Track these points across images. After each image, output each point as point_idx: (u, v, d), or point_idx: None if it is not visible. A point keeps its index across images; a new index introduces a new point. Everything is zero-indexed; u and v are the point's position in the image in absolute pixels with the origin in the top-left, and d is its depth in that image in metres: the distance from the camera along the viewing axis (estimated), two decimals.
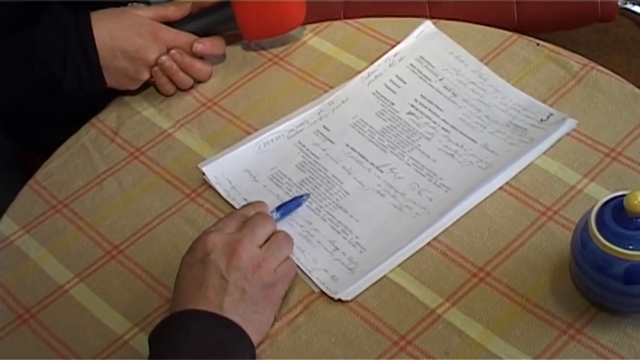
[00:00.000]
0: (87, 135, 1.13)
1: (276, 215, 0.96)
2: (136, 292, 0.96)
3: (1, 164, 1.25)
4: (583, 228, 0.84)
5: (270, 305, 0.87)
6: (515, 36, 1.17)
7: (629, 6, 1.77)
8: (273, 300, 0.87)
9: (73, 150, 1.12)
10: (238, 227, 0.89)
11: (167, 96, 1.16)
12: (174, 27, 1.13)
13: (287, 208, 0.98)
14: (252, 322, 0.83)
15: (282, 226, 0.96)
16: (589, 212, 0.84)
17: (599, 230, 0.81)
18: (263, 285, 0.85)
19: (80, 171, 1.09)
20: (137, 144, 1.11)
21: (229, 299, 0.82)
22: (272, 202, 0.99)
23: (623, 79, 1.10)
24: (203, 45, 1.13)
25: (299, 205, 0.99)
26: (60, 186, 1.08)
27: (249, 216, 0.91)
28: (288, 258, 0.90)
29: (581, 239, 0.84)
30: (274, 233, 0.90)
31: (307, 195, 1.00)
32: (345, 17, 1.63)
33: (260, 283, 0.85)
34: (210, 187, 1.04)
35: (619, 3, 1.73)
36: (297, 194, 1.01)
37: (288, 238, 0.91)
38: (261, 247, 0.88)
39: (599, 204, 0.83)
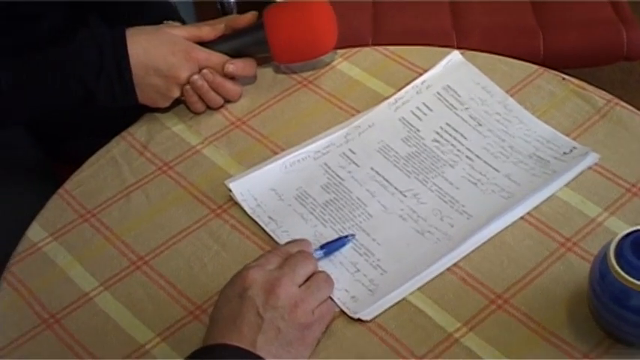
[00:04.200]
0: (117, 147, 1.16)
1: (319, 254, 0.96)
2: (159, 302, 0.97)
3: (30, 173, 1.28)
4: (602, 260, 0.85)
5: (304, 346, 0.86)
6: (542, 70, 1.20)
7: None
8: (308, 341, 0.87)
9: (103, 161, 1.14)
10: (280, 264, 0.89)
11: (197, 114, 1.18)
12: (207, 47, 1.16)
13: (331, 247, 0.99)
14: None
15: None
16: (608, 244, 0.85)
17: (617, 263, 0.82)
18: (299, 326, 0.85)
19: (109, 182, 1.11)
20: (166, 158, 1.13)
21: (263, 337, 0.82)
22: (296, 222, 1.02)
23: None
24: (235, 66, 1.15)
25: (343, 245, 1.00)
26: (89, 196, 1.10)
27: (291, 253, 0.91)
28: (326, 299, 0.91)
29: (600, 271, 0.85)
30: (315, 273, 0.90)
31: (352, 235, 1.01)
32: (374, 44, 1.67)
33: (296, 323, 0.85)
34: (236, 203, 1.06)
35: None
36: (319, 215, 1.03)
37: (328, 279, 0.91)
38: (300, 286, 0.88)
39: (619, 237, 0.85)
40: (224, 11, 1.64)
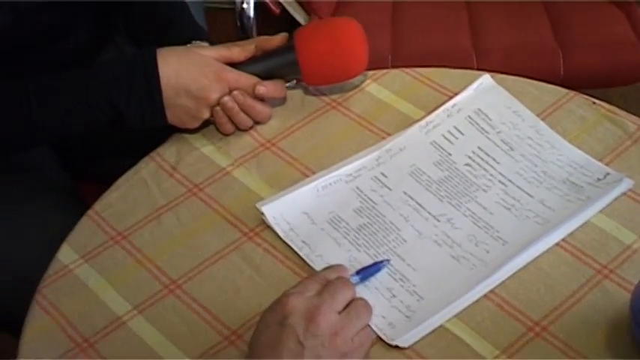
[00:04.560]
0: (146, 168, 1.15)
1: (355, 279, 0.96)
2: (194, 327, 0.97)
3: (56, 193, 1.28)
4: None
5: None
6: (572, 93, 1.20)
7: None
8: None
9: (132, 182, 1.14)
10: (319, 290, 0.88)
11: (226, 135, 1.18)
12: (237, 68, 1.15)
13: (367, 272, 0.98)
14: None
15: None
16: None
17: None
18: (339, 353, 0.85)
19: (139, 204, 1.11)
20: (196, 180, 1.13)
21: None
22: (329, 246, 1.02)
23: None
24: (265, 88, 1.15)
25: (379, 270, 0.99)
26: (119, 218, 1.09)
27: (330, 279, 0.91)
28: (365, 327, 0.90)
29: None
30: (354, 300, 0.90)
31: (387, 260, 1.00)
32: (393, 64, 1.68)
33: (337, 351, 0.84)
34: (268, 227, 1.05)
35: None
36: (353, 239, 1.03)
37: (367, 306, 0.91)
38: (340, 313, 0.87)
39: None
40: (242, 27, 1.64)
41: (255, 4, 1.67)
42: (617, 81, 1.78)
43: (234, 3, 2.18)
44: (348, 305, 0.89)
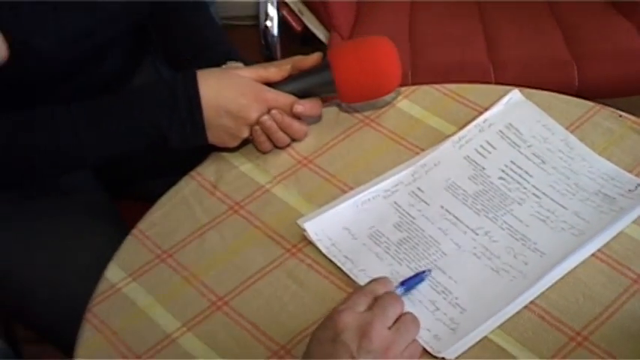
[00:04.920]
0: (187, 187, 1.16)
1: (400, 291, 0.97)
2: (242, 343, 0.97)
3: (98, 213, 1.29)
4: None
5: None
6: (598, 106, 1.21)
7: None
8: None
9: (174, 201, 1.14)
10: (369, 305, 0.89)
11: (264, 152, 1.19)
12: (274, 87, 1.17)
13: (410, 283, 1.00)
14: None
15: None
16: None
17: None
18: None
19: (182, 222, 1.11)
20: (236, 198, 1.14)
21: None
22: (371, 261, 1.03)
23: None
24: (303, 106, 1.16)
25: (422, 280, 1.01)
26: (163, 236, 1.10)
27: (377, 293, 0.92)
28: (414, 340, 0.91)
29: None
30: (403, 314, 0.91)
31: (429, 270, 1.02)
32: (413, 78, 1.69)
33: None
34: (310, 243, 1.06)
35: None
36: (394, 254, 1.04)
37: (415, 320, 0.92)
38: (390, 327, 0.89)
39: None
40: (267, 45, 1.65)
41: (278, 21, 1.68)
42: (629, 90, 1.79)
43: (253, 19, 2.21)
44: (397, 319, 0.91)
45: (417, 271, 1.02)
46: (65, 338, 1.09)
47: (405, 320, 0.91)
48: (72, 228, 1.25)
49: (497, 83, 1.64)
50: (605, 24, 1.87)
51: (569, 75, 1.74)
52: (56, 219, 1.25)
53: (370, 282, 0.95)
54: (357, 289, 0.94)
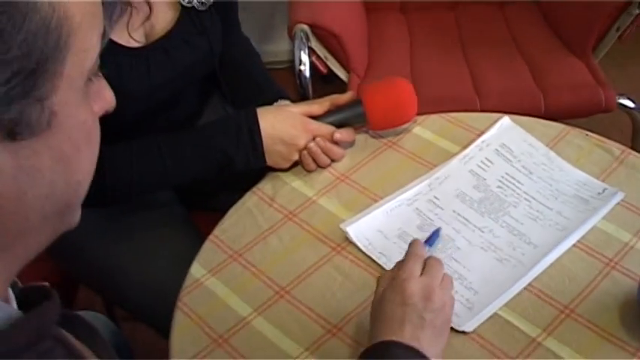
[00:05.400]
0: (250, 201, 1.16)
1: (428, 249, 0.98)
2: (303, 324, 0.98)
3: (177, 222, 1.29)
4: None
5: (446, 333, 0.88)
6: (569, 128, 1.22)
7: (622, 100, 1.83)
8: (448, 329, 0.89)
9: (241, 212, 1.14)
10: (422, 268, 0.89)
11: (309, 171, 1.19)
12: (317, 120, 1.17)
13: (432, 240, 1.02)
14: (437, 350, 0.85)
15: None
16: None
17: None
18: (447, 320, 0.87)
19: (248, 229, 1.11)
20: (290, 208, 1.14)
21: (425, 333, 0.83)
22: (401, 255, 1.01)
23: None
24: (340, 134, 1.16)
25: (438, 235, 1.02)
26: (234, 240, 1.10)
27: (424, 256, 0.91)
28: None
29: None
30: (444, 275, 0.90)
31: (440, 228, 1.04)
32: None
33: (445, 319, 0.87)
34: (351, 243, 1.06)
35: (616, 99, 1.79)
36: None
37: (450, 278, 0.91)
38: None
39: None
40: (301, 85, 1.65)
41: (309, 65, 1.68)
42: (583, 113, 1.79)
43: (288, 62, 2.22)
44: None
45: None
46: (155, 318, 1.11)
47: (446, 280, 0.90)
48: (157, 236, 1.25)
49: (482, 110, 1.62)
50: (562, 62, 1.86)
51: (536, 102, 1.73)
52: (145, 229, 1.25)
53: (411, 247, 0.93)
54: (408, 254, 0.92)
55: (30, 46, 0.46)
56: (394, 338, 0.82)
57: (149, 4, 1.11)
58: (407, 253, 0.91)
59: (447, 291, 0.88)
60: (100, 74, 0.55)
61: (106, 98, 0.57)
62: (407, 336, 0.82)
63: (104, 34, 0.53)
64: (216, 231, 1.12)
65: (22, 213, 0.51)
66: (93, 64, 0.52)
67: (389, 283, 0.88)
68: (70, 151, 0.52)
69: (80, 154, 0.53)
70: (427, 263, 0.90)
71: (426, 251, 0.93)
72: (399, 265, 0.90)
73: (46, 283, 0.56)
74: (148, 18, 1.13)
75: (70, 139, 0.52)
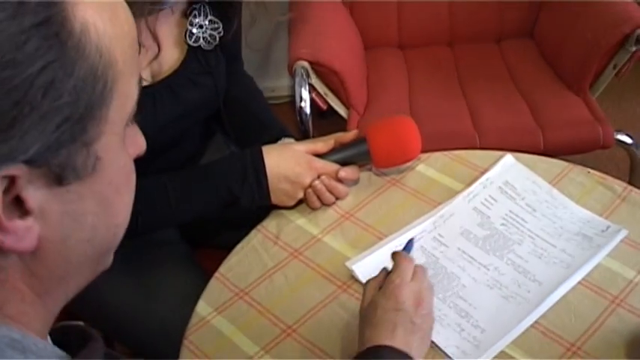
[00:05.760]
0: (255, 238, 1.17)
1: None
2: None
3: (180, 260, 1.30)
4: None
5: (430, 336, 0.92)
6: (571, 165, 1.24)
7: (619, 137, 1.86)
8: (432, 331, 0.93)
9: (246, 250, 1.15)
10: (413, 276, 0.93)
11: (314, 209, 1.20)
12: (321, 158, 1.18)
13: (407, 249, 1.02)
14: (422, 354, 0.89)
15: None
16: None
17: None
18: (432, 325, 0.92)
19: (253, 267, 1.12)
20: (295, 246, 1.14)
21: (414, 337, 0.87)
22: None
23: None
24: (345, 173, 1.17)
25: (412, 244, 1.03)
26: (239, 278, 1.10)
27: (412, 261, 0.95)
28: None
29: None
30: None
31: (413, 237, 1.05)
32: None
33: (431, 323, 0.91)
34: (357, 281, 1.07)
35: (614, 135, 1.82)
36: None
37: (432, 284, 0.95)
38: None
39: None
40: (301, 121, 1.67)
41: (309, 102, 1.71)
42: (582, 149, 1.82)
43: (287, 97, 2.24)
44: None
45: (443, 301, 1.03)
46: (158, 355, 1.11)
47: (430, 286, 0.94)
48: (161, 273, 1.26)
49: (481, 148, 1.64)
50: (560, 98, 1.89)
51: (535, 139, 1.76)
52: (149, 266, 1.26)
53: (398, 256, 0.96)
54: (399, 258, 0.95)
55: (79, 92, 0.48)
56: (387, 343, 0.84)
57: (158, 44, 1.14)
58: (395, 262, 0.95)
59: (431, 296, 0.92)
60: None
61: (138, 143, 0.59)
62: (399, 340, 0.85)
63: (140, 80, 0.55)
64: (222, 269, 1.13)
65: (65, 257, 0.53)
66: (132, 109, 0.54)
67: (380, 290, 0.91)
68: (111, 194, 0.54)
69: (120, 197, 0.55)
70: (415, 270, 0.94)
71: (411, 260, 0.96)
72: (389, 272, 0.94)
73: (81, 323, 0.57)
74: (156, 57, 1.15)
75: (112, 184, 0.54)
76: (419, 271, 0.94)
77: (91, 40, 0.49)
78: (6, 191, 0.48)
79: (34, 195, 0.49)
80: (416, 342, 0.87)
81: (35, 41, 0.47)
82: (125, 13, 0.54)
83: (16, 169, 0.48)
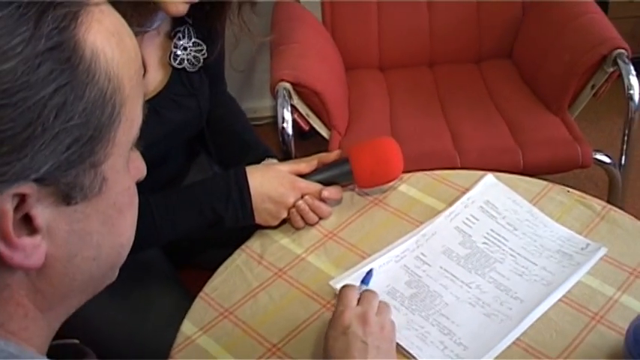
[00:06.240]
0: (239, 258, 1.18)
1: (364, 287, 1.04)
2: None
3: (164, 280, 1.31)
4: (634, 329, 0.93)
5: (393, 352, 0.94)
6: (551, 185, 1.27)
7: (598, 156, 1.90)
8: (394, 347, 0.95)
9: (230, 270, 1.16)
10: (357, 301, 0.96)
11: (298, 229, 1.22)
12: (305, 178, 1.21)
13: (366, 280, 1.06)
14: None
15: (400, 331, 1.02)
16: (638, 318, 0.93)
17: None
18: (390, 340, 0.94)
19: (238, 286, 1.13)
20: (279, 265, 1.16)
21: (370, 356, 0.89)
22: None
23: (632, 217, 1.19)
24: (328, 192, 1.20)
25: (371, 276, 1.07)
26: (224, 297, 1.12)
27: (354, 289, 0.98)
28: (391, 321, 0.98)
29: (635, 337, 0.92)
30: (380, 303, 0.98)
31: (373, 268, 1.09)
32: None
33: (387, 339, 0.94)
34: None
35: (592, 155, 1.85)
36: (408, 306, 1.07)
37: (388, 306, 0.99)
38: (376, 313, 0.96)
39: None
40: (283, 142, 1.70)
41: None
42: (561, 168, 1.85)
43: (270, 118, 2.26)
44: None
45: (427, 319, 1.05)
46: None
47: (382, 306, 0.98)
48: (145, 294, 1.27)
49: (462, 168, 1.69)
50: (539, 119, 1.93)
51: (515, 159, 1.79)
52: (133, 287, 1.27)
53: (341, 289, 1.00)
54: (342, 290, 0.99)
55: (89, 115, 0.51)
56: None
57: (144, 65, 1.16)
58: (339, 294, 0.98)
59: (383, 315, 0.95)
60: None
61: (139, 167, 0.62)
62: None
63: (144, 104, 0.57)
64: (207, 289, 1.14)
65: (70, 275, 0.55)
66: (137, 133, 0.57)
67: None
68: (115, 215, 0.56)
69: (124, 218, 0.58)
70: (362, 296, 0.97)
71: (357, 289, 0.99)
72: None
73: (77, 341, 0.59)
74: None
75: (116, 204, 0.56)
76: (367, 295, 0.97)
77: (101, 66, 0.52)
78: (16, 209, 0.50)
79: (42, 213, 0.52)
80: None
81: (48, 65, 0.49)
82: (132, 41, 0.57)
83: (27, 188, 0.50)
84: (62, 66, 0.50)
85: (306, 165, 1.22)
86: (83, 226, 0.54)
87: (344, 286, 1.00)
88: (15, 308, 0.54)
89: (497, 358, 1.00)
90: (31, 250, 0.52)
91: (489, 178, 1.27)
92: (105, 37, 0.54)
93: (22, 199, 0.51)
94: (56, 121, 0.50)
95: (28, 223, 0.52)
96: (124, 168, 0.57)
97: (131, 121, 0.56)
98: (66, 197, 0.52)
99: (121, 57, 0.55)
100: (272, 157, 1.30)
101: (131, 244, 0.61)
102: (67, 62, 0.50)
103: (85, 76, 0.51)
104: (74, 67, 0.51)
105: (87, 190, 0.53)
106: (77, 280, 0.56)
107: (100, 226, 0.56)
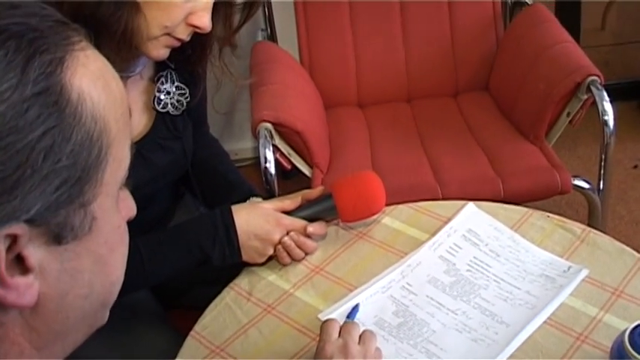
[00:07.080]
0: (228, 296, 1.21)
1: (349, 321, 1.07)
2: None
3: (152, 320, 1.33)
4: (618, 347, 0.96)
5: None
6: (531, 211, 1.31)
7: (577, 182, 1.95)
8: None
9: (220, 308, 1.19)
10: (339, 334, 0.99)
11: (284, 265, 1.25)
12: (290, 215, 1.24)
13: (352, 314, 1.10)
14: None
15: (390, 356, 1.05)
16: (622, 336, 0.96)
17: (633, 348, 0.93)
18: None
19: (228, 323, 1.16)
20: (268, 301, 1.19)
21: None
22: (379, 342, 1.05)
23: (611, 238, 1.23)
24: (313, 228, 1.23)
25: (357, 310, 1.11)
26: (215, 335, 1.14)
27: (336, 322, 1.01)
28: (377, 349, 1.01)
29: (619, 354, 0.96)
30: (363, 332, 1.01)
31: (358, 304, 1.12)
32: None
33: None
34: None
35: (571, 181, 1.90)
36: (396, 335, 1.10)
37: (373, 334, 1.01)
38: (358, 343, 0.98)
39: (629, 329, 0.95)
40: (267, 181, 1.73)
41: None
42: (541, 195, 1.90)
43: (252, 159, 2.29)
44: (360, 337, 1.00)
45: (415, 347, 1.08)
46: None
47: (366, 336, 1.00)
48: (135, 335, 1.29)
49: (444, 198, 1.74)
50: (517, 148, 1.98)
51: (495, 188, 1.84)
52: (121, 328, 1.29)
53: (323, 323, 1.03)
54: (323, 324, 1.02)
55: (76, 156, 0.54)
56: None
57: (129, 110, 1.20)
58: (321, 329, 1.01)
59: (367, 344, 0.98)
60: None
61: (129, 206, 0.65)
62: None
63: (131, 145, 0.61)
64: (197, 327, 1.17)
65: (63, 313, 0.57)
66: (125, 172, 0.60)
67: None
68: (106, 253, 0.59)
69: (114, 256, 0.60)
70: (342, 327, 1.00)
71: (337, 322, 1.02)
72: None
73: None
74: None
75: (107, 243, 0.59)
76: (348, 327, 1.00)
77: (87, 108, 0.55)
78: (8, 249, 0.53)
79: (34, 253, 0.54)
80: None
81: (36, 109, 0.52)
82: (117, 84, 0.60)
83: (18, 228, 0.53)
84: (49, 109, 0.53)
85: (290, 202, 1.25)
86: (75, 264, 0.57)
87: (325, 321, 1.02)
88: (10, 346, 0.56)
89: None
90: (24, 290, 0.54)
91: (470, 206, 1.31)
92: (91, 81, 0.56)
93: (13, 239, 0.53)
94: (45, 163, 0.52)
95: (20, 263, 0.54)
96: (113, 207, 0.60)
97: (119, 161, 0.59)
98: (57, 237, 0.55)
99: (107, 99, 0.58)
100: (257, 195, 1.33)
101: (121, 282, 0.63)
102: (54, 106, 0.53)
103: (72, 118, 0.54)
104: (61, 110, 0.54)
105: (77, 230, 0.56)
106: (70, 318, 0.58)
107: (92, 265, 0.58)
